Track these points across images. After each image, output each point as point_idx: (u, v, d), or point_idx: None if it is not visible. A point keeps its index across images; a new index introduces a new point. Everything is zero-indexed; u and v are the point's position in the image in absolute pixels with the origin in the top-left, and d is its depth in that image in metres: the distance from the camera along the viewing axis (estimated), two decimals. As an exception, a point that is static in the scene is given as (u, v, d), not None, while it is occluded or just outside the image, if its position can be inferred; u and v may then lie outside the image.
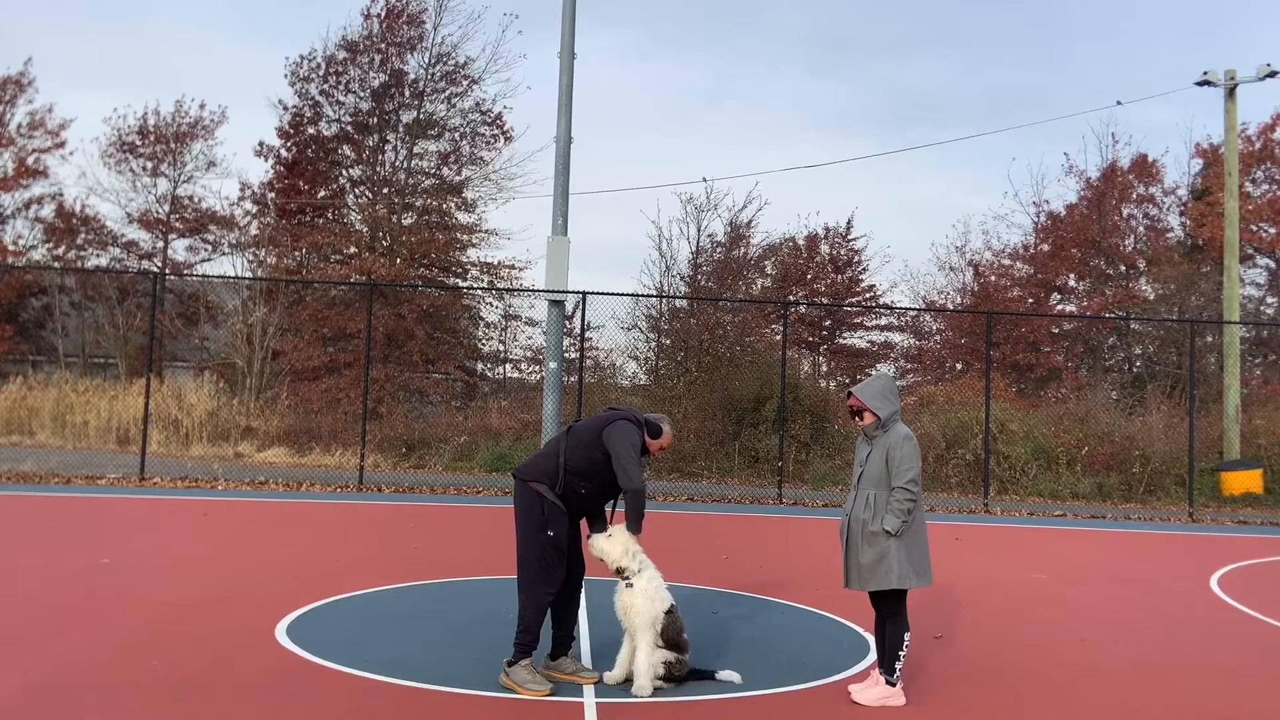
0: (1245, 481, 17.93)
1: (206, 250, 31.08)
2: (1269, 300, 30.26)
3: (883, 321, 33.07)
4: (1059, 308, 31.48)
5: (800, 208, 60.52)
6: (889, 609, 5.08)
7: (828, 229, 34.31)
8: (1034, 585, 8.82)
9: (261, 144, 27.97)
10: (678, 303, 24.97)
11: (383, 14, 26.76)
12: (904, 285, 51.01)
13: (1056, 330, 30.05)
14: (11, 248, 29.75)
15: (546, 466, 5.24)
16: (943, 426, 19.30)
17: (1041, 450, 18.90)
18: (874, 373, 21.98)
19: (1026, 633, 6.87)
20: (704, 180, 44.92)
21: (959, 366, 30.19)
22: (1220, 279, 21.67)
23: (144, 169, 30.15)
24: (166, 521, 10.81)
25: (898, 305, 34.82)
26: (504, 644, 5.69)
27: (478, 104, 27.19)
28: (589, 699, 5.00)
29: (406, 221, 26.84)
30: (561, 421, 15.04)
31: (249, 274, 28.54)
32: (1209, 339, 26.51)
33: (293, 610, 6.66)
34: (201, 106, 30.84)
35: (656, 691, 5.08)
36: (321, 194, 28.11)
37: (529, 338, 27.38)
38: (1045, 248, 31.60)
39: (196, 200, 30.66)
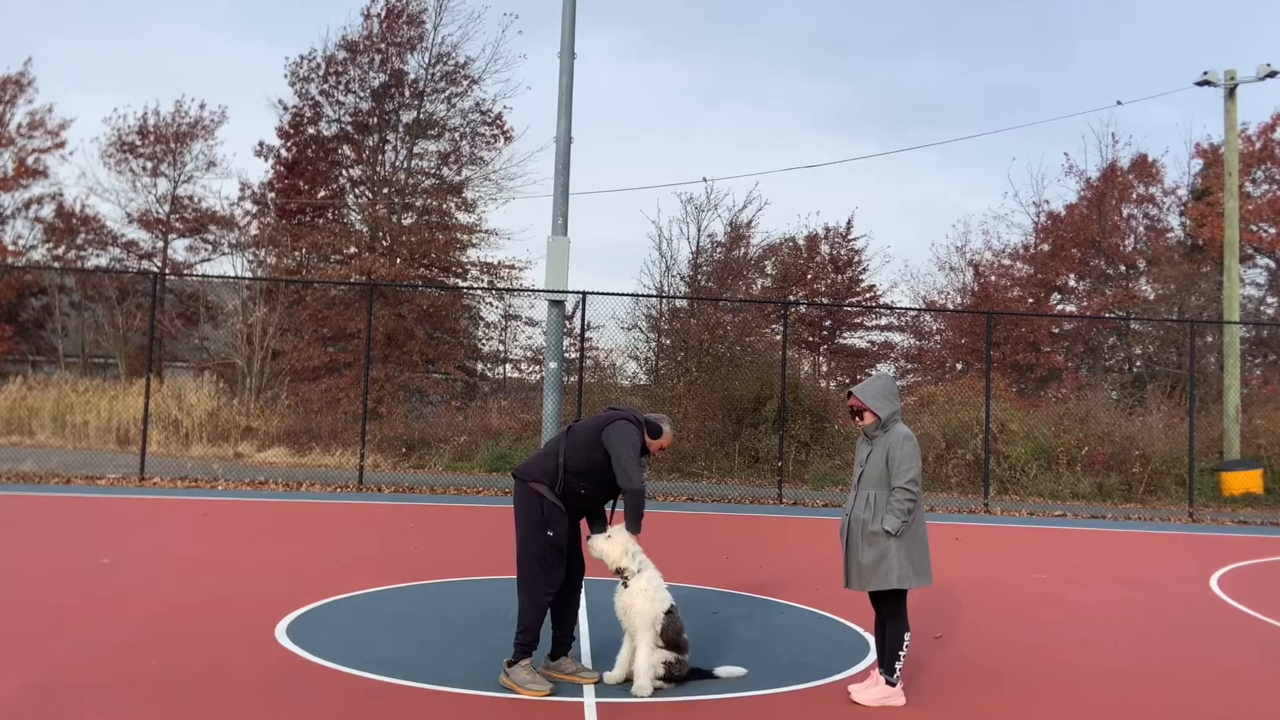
0: (1245, 481, 17.93)
1: (206, 250, 31.13)
2: (1269, 300, 30.27)
3: (883, 321, 33.10)
4: (1059, 308, 31.49)
5: (800, 208, 60.60)
6: (889, 609, 5.08)
7: (828, 229, 34.36)
8: (1034, 585, 8.82)
9: (261, 144, 28.02)
10: (678, 303, 24.98)
11: (383, 14, 26.77)
12: (904, 285, 51.07)
13: (1056, 330, 30.05)
14: (11, 248, 29.76)
15: (546, 466, 5.24)
16: (943, 426, 19.30)
17: (1041, 450, 18.90)
18: (874, 373, 21.98)
19: (1026, 633, 6.87)
20: (704, 180, 44.95)
21: (959, 366, 30.20)
22: (1220, 279, 21.67)
23: (144, 169, 30.17)
24: (166, 521, 10.81)
25: (898, 305, 34.87)
26: (504, 644, 5.69)
27: (478, 104, 27.23)
28: (589, 699, 5.00)
29: (406, 221, 26.84)
30: (561, 421, 15.04)
31: (249, 274, 28.55)
32: (1209, 339, 26.51)
33: (293, 610, 6.66)
34: (201, 106, 30.87)
35: (656, 691, 5.08)
36: (321, 194, 28.12)
37: (529, 338, 27.43)
38: (1045, 248, 31.60)
39: (196, 200, 30.70)
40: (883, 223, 59.56)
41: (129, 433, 20.30)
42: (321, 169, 27.86)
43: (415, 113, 26.89)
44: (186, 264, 31.01)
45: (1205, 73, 19.20)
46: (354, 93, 27.06)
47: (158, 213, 30.32)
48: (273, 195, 28.48)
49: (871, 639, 6.26)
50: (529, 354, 27.01)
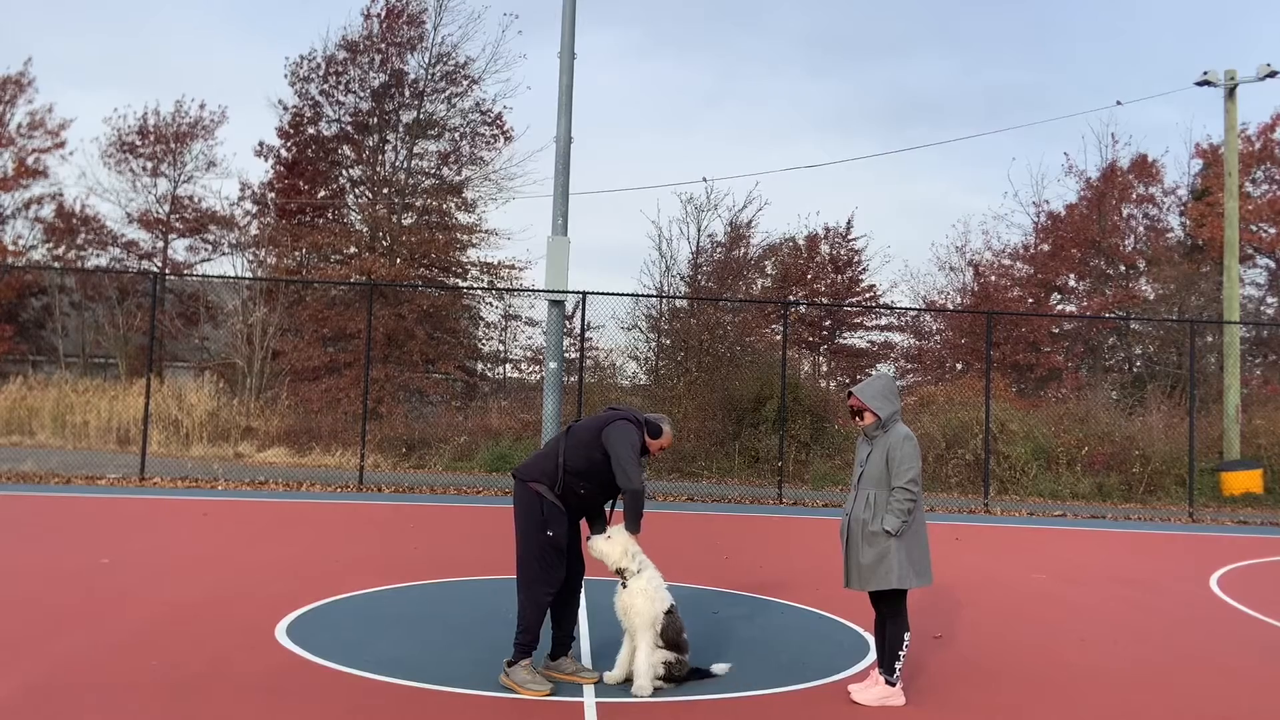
0: (1245, 481, 17.93)
1: (206, 250, 31.13)
2: (1269, 300, 30.27)
3: (883, 321, 33.10)
4: (1059, 308, 31.49)
5: (800, 208, 60.59)
6: (889, 609, 5.08)
7: (828, 229, 34.36)
8: (1034, 585, 8.82)
9: (261, 144, 28.02)
10: (678, 303, 24.98)
11: (383, 14, 26.77)
12: (904, 285, 51.04)
13: (1056, 330, 30.05)
14: (11, 248, 29.76)
15: (546, 466, 5.24)
16: (943, 426, 19.30)
17: (1041, 450, 18.90)
18: (874, 373, 21.98)
19: (1026, 633, 6.87)
20: (704, 180, 44.94)
21: (959, 366, 30.20)
22: (1220, 279, 21.67)
23: (144, 169, 30.18)
24: (166, 521, 10.81)
25: (898, 305, 34.87)
26: (504, 644, 5.69)
27: (478, 104, 27.24)
28: (589, 699, 5.00)
29: (406, 221, 26.84)
30: (561, 421, 15.04)
31: (249, 274, 28.56)
32: (1209, 339, 26.51)
33: (293, 610, 6.66)
34: (201, 106, 30.88)
35: (656, 691, 5.08)
36: (321, 194, 28.12)
37: (529, 338, 27.44)
38: (1045, 248, 31.60)
39: (196, 200, 30.71)
40: (883, 223, 59.62)
41: (129, 433, 20.30)
42: (321, 169, 27.86)
43: (415, 113, 26.90)
44: (186, 264, 31.06)
45: (1205, 73, 19.20)
46: (354, 93, 27.08)
47: (158, 213, 30.34)
48: (273, 195, 28.49)
49: (871, 639, 6.26)
50: (529, 354, 27.05)
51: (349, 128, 27.30)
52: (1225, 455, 18.73)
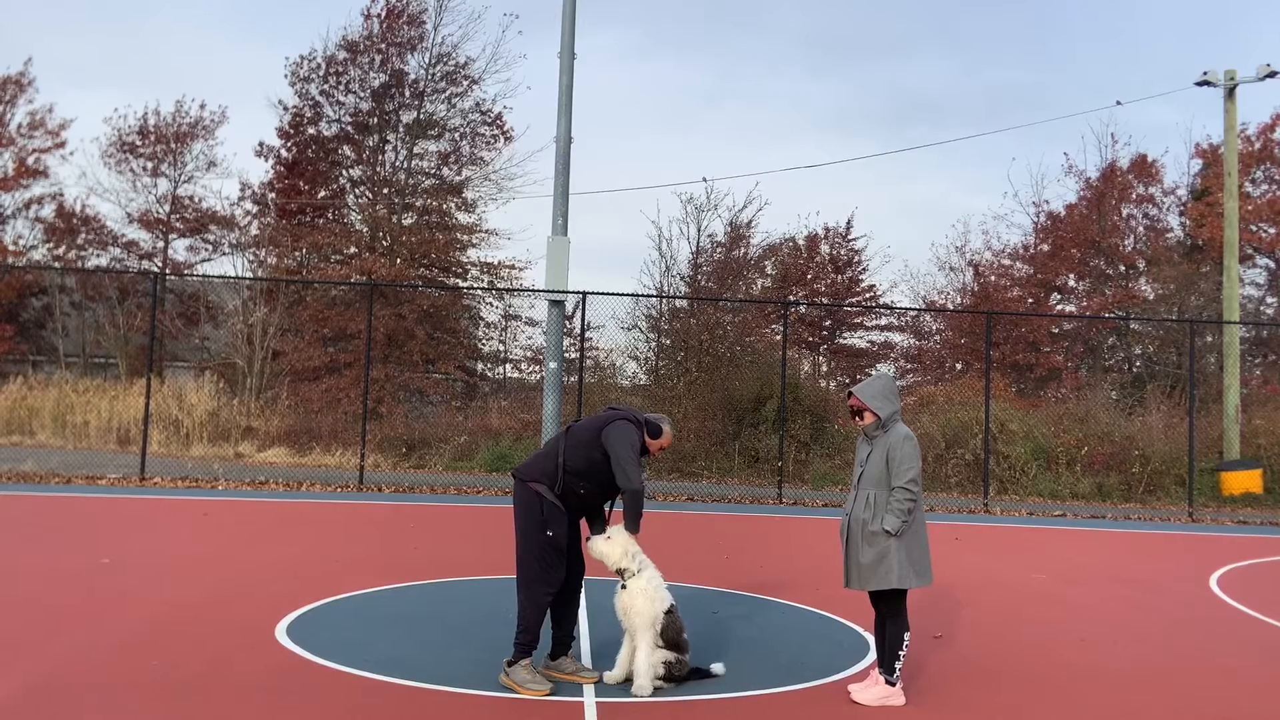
0: (1245, 481, 17.93)
1: (207, 250, 31.16)
2: (1269, 300, 30.27)
3: (883, 321, 33.11)
4: (1059, 308, 31.49)
5: (800, 208, 60.61)
6: (889, 609, 5.08)
7: (828, 229, 34.37)
8: (1034, 585, 8.82)
9: (262, 144, 28.04)
10: (678, 303, 24.98)
11: (383, 14, 26.78)
12: (904, 285, 51.08)
13: (1056, 330, 30.05)
14: (12, 248, 29.77)
15: (546, 466, 5.24)
16: (943, 426, 19.30)
17: (1041, 450, 18.90)
18: (874, 373, 21.99)
19: (1026, 633, 6.87)
20: (704, 180, 44.95)
21: (959, 366, 30.20)
22: (1220, 279, 21.67)
23: (144, 169, 30.20)
24: (166, 521, 10.82)
25: (898, 305, 34.87)
26: (504, 644, 5.69)
27: (478, 104, 27.25)
28: (589, 699, 5.00)
29: (406, 221, 26.85)
30: (561, 421, 15.04)
31: (249, 274, 28.57)
32: (1209, 339, 26.51)
33: (293, 610, 6.66)
34: (202, 107, 30.91)
35: (656, 691, 5.08)
36: (321, 194, 28.13)
37: (529, 338, 27.45)
38: (1045, 248, 31.60)
39: (197, 200, 30.73)
40: (883, 223, 59.63)
41: (129, 433, 20.30)
42: (321, 169, 27.87)
43: (415, 113, 26.90)
44: (187, 264, 31.07)
45: (1205, 73, 19.20)
46: (354, 93, 27.09)
47: (158, 213, 30.35)
48: (273, 195, 28.49)
49: (871, 639, 6.26)
50: (529, 354, 27.06)
51: (349, 128, 27.31)
52: (1225, 455, 18.73)
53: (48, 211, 30.21)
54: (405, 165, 27.27)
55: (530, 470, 5.27)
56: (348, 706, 4.71)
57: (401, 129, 27.11)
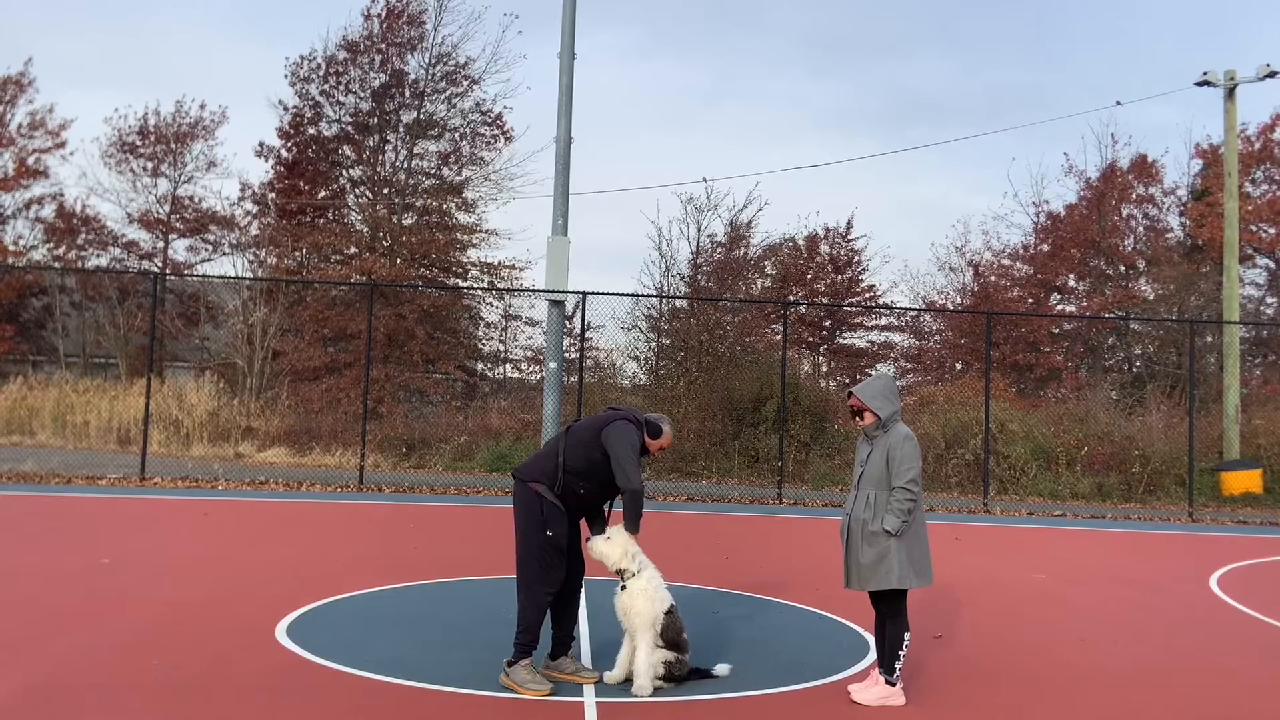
0: (1245, 481, 17.93)
1: (207, 250, 31.17)
2: (1269, 300, 30.27)
3: (883, 321, 33.11)
4: (1059, 308, 31.49)
5: (800, 208, 60.61)
6: (889, 609, 5.08)
7: (828, 229, 34.36)
8: (1034, 585, 8.82)
9: (262, 144, 28.05)
10: (678, 303, 24.98)
11: (383, 14, 26.78)
12: (904, 285, 51.10)
13: (1056, 330, 30.05)
14: (12, 248, 29.78)
15: (545, 466, 5.24)
16: (943, 426, 19.30)
17: (1041, 450, 18.90)
18: (874, 373, 21.98)
19: (1026, 633, 6.87)
20: (704, 180, 44.95)
21: (959, 366, 30.20)
22: (1220, 279, 21.67)
23: (144, 169, 30.21)
24: (167, 521, 10.82)
25: (898, 305, 34.87)
26: (504, 644, 5.70)
27: (478, 104, 27.25)
28: (589, 699, 5.00)
29: (406, 222, 26.85)
30: (561, 421, 15.04)
31: (249, 274, 28.57)
32: (1209, 339, 26.51)
33: (293, 610, 6.66)
34: (202, 107, 30.93)
35: (656, 691, 5.09)
36: (322, 194, 28.13)
37: (529, 338, 27.45)
38: (1045, 248, 31.61)
39: (197, 200, 30.75)
40: (883, 223, 59.61)
41: (129, 433, 20.31)
42: (322, 169, 27.87)
43: (415, 113, 26.91)
44: (187, 264, 31.08)
45: (1205, 73, 19.20)
46: (354, 93, 27.09)
47: (158, 213, 30.36)
48: (273, 195, 28.50)
49: (871, 639, 6.26)
50: (529, 354, 27.07)
51: (349, 128, 27.31)
52: (1225, 455, 18.73)
53: (48, 212, 30.28)
54: (405, 165, 27.28)
55: (530, 470, 5.27)
56: (348, 707, 4.72)
57: (401, 129, 27.12)
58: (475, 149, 27.54)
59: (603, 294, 16.83)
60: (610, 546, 5.20)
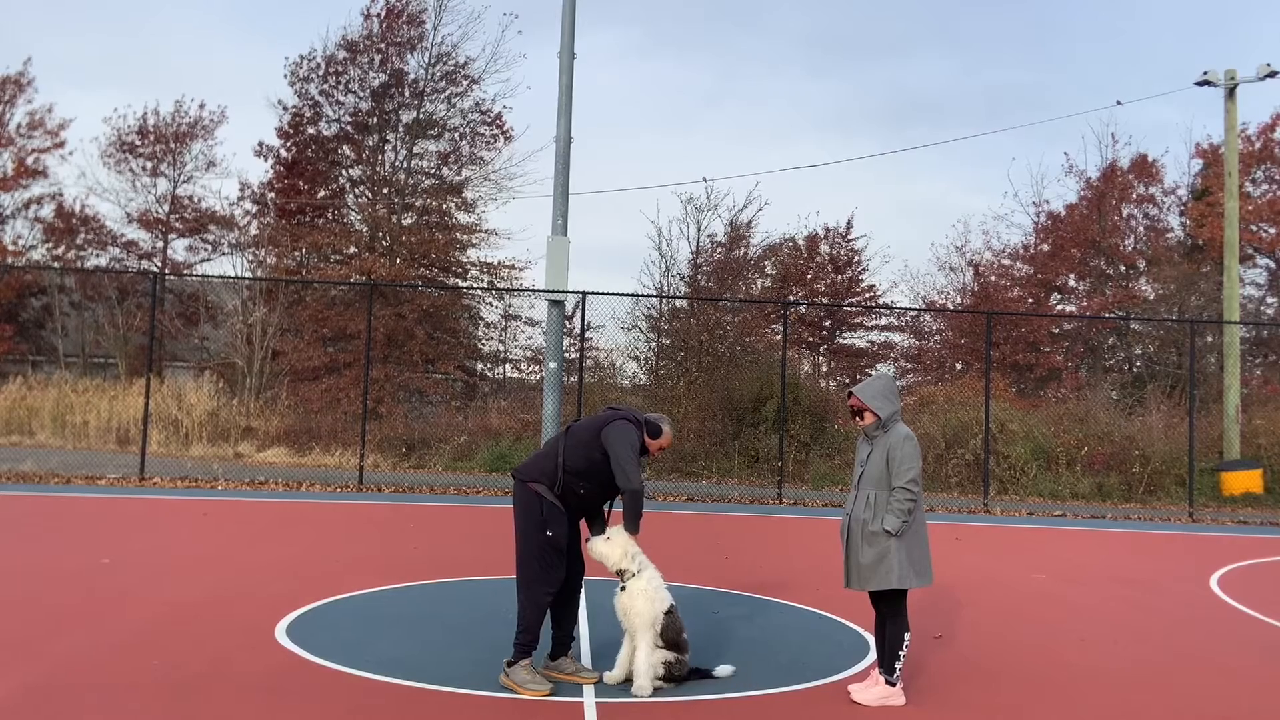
0: (1245, 481, 17.93)
1: (206, 250, 31.16)
2: (1269, 300, 30.27)
3: (883, 321, 33.10)
4: (1059, 308, 31.49)
5: (800, 208, 60.63)
6: (889, 609, 5.08)
7: (828, 229, 34.36)
8: (1034, 585, 8.82)
9: (261, 144, 28.04)
10: (678, 303, 24.98)
11: (383, 14, 26.78)
12: (904, 285, 51.07)
13: (1056, 330, 30.05)
14: (11, 248, 29.77)
15: (545, 466, 5.24)
16: (943, 426, 19.30)
17: (1041, 450, 18.90)
18: (874, 373, 21.98)
19: (1026, 633, 6.87)
20: (704, 180, 44.95)
21: (959, 366, 30.20)
22: (1220, 279, 21.67)
23: (144, 169, 30.20)
24: (166, 521, 10.81)
25: (898, 305, 34.87)
26: (504, 644, 5.69)
27: (477, 104, 27.25)
28: (589, 699, 5.00)
29: (406, 221, 26.84)
30: (561, 421, 15.04)
31: (249, 274, 28.55)
32: (1209, 339, 26.51)
33: (293, 610, 6.66)
34: (201, 106, 30.90)
35: (656, 691, 5.08)
36: (321, 194, 28.13)
37: (529, 338, 27.44)
38: (1045, 248, 31.61)
39: (196, 200, 30.74)
40: (883, 223, 59.63)
41: (129, 433, 20.30)
42: (321, 169, 27.87)
43: (415, 113, 26.90)
44: (186, 264, 31.08)
45: (1205, 73, 19.20)
46: (354, 93, 27.09)
47: (157, 213, 30.35)
48: (272, 195, 28.50)
49: (871, 639, 6.26)
50: (529, 354, 27.05)
51: (349, 128, 27.31)
52: (1225, 455, 18.73)
53: (47, 211, 30.26)
54: (405, 165, 27.28)
55: (530, 470, 5.27)
56: (348, 707, 4.71)
57: (401, 129, 27.11)
58: (475, 149, 27.57)
59: (603, 294, 16.84)
60: (610, 547, 5.20)
